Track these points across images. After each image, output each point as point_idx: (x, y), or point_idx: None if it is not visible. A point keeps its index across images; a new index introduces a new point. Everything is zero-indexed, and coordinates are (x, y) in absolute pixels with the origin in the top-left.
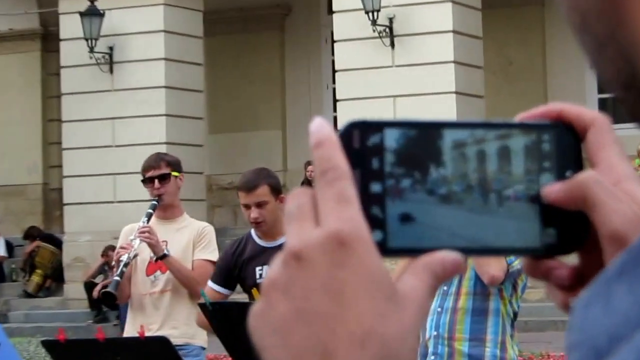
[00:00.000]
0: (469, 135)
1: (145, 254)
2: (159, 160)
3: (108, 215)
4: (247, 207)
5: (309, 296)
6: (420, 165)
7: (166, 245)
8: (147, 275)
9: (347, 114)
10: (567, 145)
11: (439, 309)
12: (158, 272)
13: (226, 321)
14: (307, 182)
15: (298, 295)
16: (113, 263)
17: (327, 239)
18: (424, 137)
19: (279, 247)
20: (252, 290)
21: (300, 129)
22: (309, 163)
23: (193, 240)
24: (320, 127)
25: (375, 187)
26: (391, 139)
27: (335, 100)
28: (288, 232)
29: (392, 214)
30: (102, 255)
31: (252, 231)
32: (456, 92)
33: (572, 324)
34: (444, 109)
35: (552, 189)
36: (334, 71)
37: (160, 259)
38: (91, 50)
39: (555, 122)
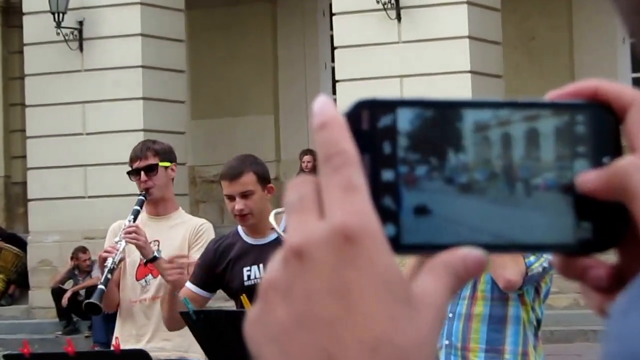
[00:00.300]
0: (493, 117)
1: (135, 255)
2: (145, 149)
3: (78, 213)
4: (231, 198)
5: (312, 299)
6: (438, 150)
7: (158, 246)
8: (137, 279)
9: (347, 96)
10: (604, 128)
11: (450, 315)
12: (149, 276)
13: (213, 332)
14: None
15: (300, 298)
16: (101, 267)
17: (333, 234)
18: (441, 118)
19: (269, 244)
20: (241, 296)
21: (294, 113)
22: (305, 153)
23: (188, 239)
24: (324, 106)
25: (387, 175)
26: (405, 120)
27: (334, 81)
28: (288, 226)
29: (406, 205)
30: (72, 258)
31: (239, 227)
32: (471, 72)
33: (608, 333)
34: (458, 91)
35: (587, 178)
36: (333, 48)
37: (150, 261)
38: (58, 25)
39: (590, 101)
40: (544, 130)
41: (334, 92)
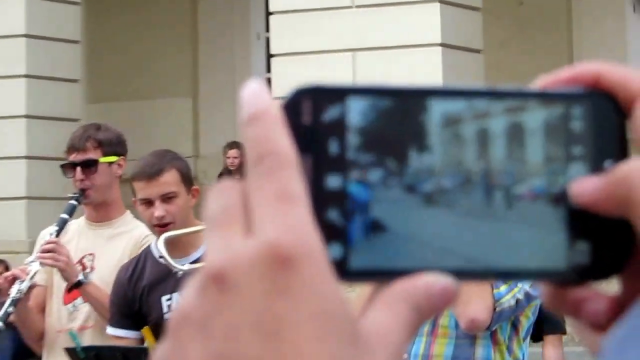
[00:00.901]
0: (466, 108)
1: None
2: (85, 138)
3: None
4: (148, 202)
5: (235, 335)
6: (397, 150)
7: (92, 261)
8: (65, 303)
9: (285, 75)
10: (606, 124)
11: (405, 356)
12: (78, 300)
13: None
14: (228, 174)
15: (219, 334)
16: (4, 295)
17: (263, 255)
18: (402, 109)
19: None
20: (143, 329)
21: (218, 96)
22: (230, 146)
23: (129, 254)
24: (255, 94)
25: (333, 182)
26: (356, 112)
27: (269, 56)
28: (208, 245)
29: (357, 219)
30: None
31: (152, 244)
32: (442, 45)
33: None
34: (425, 68)
35: (584, 186)
36: (268, 14)
37: (75, 287)
38: None
39: (590, 90)
40: (531, 126)
41: (269, 70)
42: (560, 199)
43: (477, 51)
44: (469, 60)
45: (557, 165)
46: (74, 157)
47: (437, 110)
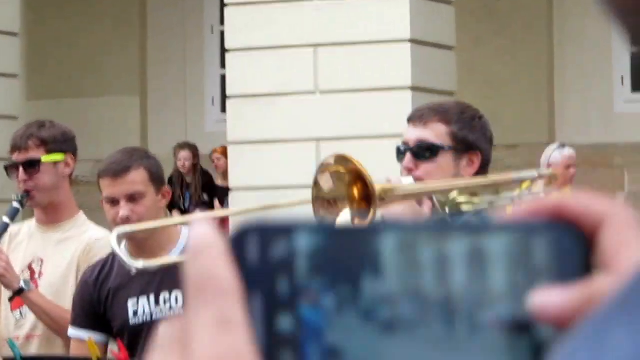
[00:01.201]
0: (423, 231)
1: None
2: (27, 136)
3: None
4: (114, 201)
5: None
6: (350, 284)
7: (40, 266)
8: (12, 310)
9: (241, 71)
10: (569, 257)
11: None
12: (25, 308)
13: None
14: (179, 176)
15: None
16: None
17: None
18: (354, 237)
19: (166, 270)
20: (88, 340)
21: (168, 94)
22: (181, 147)
23: (78, 259)
24: (202, 233)
25: (285, 323)
26: (305, 247)
27: (223, 51)
28: None
29: (312, 352)
30: None
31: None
32: (411, 41)
33: None
34: (392, 65)
35: (549, 299)
36: (223, 5)
37: (17, 294)
38: None
39: (552, 221)
40: (491, 259)
41: (223, 65)
42: (525, 327)
43: (450, 48)
44: (440, 58)
45: (521, 290)
46: (16, 157)
47: (391, 233)
